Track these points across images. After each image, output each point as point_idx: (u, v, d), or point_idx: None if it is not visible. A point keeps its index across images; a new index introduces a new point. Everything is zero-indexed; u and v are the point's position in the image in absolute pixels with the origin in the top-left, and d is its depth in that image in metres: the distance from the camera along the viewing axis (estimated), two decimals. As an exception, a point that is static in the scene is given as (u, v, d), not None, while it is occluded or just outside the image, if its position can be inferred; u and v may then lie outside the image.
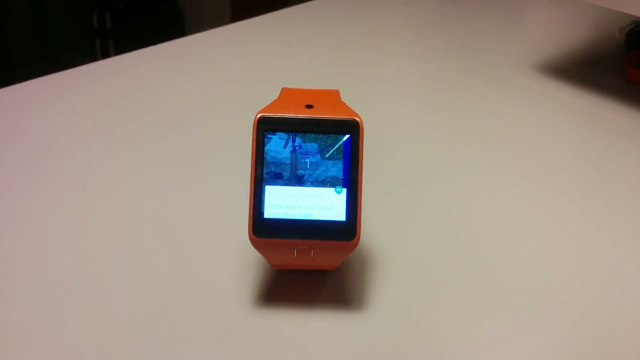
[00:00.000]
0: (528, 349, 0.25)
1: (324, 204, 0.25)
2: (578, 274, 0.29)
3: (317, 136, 0.25)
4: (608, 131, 0.41)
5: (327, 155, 0.25)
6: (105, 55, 1.44)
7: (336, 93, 0.28)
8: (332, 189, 0.25)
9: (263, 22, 0.56)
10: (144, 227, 0.31)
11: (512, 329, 0.26)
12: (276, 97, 0.27)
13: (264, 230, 0.25)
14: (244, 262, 0.29)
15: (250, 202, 0.25)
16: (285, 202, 0.25)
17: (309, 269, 0.27)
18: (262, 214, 0.25)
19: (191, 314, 0.26)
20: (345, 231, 0.25)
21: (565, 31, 0.57)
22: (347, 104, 0.27)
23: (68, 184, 0.34)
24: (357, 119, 0.25)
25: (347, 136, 0.25)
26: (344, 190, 0.25)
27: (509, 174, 0.36)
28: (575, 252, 0.30)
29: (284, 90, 0.28)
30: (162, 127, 0.39)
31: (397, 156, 0.38)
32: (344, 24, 0.57)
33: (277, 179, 0.25)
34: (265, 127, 0.25)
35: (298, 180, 0.25)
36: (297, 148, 0.25)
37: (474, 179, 0.35)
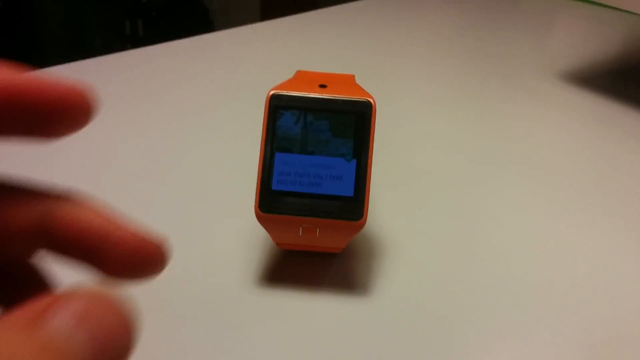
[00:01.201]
0: (531, 345, 0.24)
1: (333, 172, 0.24)
2: (589, 280, 0.28)
3: (329, 114, 0.25)
4: (635, 141, 0.40)
5: (338, 133, 0.25)
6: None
7: (351, 77, 0.28)
8: (342, 158, 0.25)
9: (291, 23, 0.57)
10: (153, 201, 0.31)
11: (515, 324, 0.25)
12: (290, 78, 0.27)
13: (271, 205, 0.24)
14: (251, 241, 0.28)
15: (258, 174, 0.24)
16: (294, 169, 0.24)
17: (315, 251, 0.27)
18: (271, 185, 0.24)
19: (194, 290, 0.26)
20: (352, 209, 0.24)
21: (593, 41, 0.56)
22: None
23: (91, 160, 0.34)
24: (370, 100, 0.25)
25: (358, 116, 0.25)
26: (354, 161, 0.24)
27: (526, 178, 0.35)
28: (590, 259, 0.29)
29: (298, 72, 0.28)
30: (178, 113, 0.40)
31: (416, 152, 0.37)
32: (372, 28, 0.57)
33: (287, 152, 0.25)
34: (277, 103, 0.25)
35: (308, 154, 0.25)
36: (308, 125, 0.25)
37: (490, 179, 0.35)
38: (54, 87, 0.14)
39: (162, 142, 0.37)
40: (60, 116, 0.14)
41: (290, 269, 0.27)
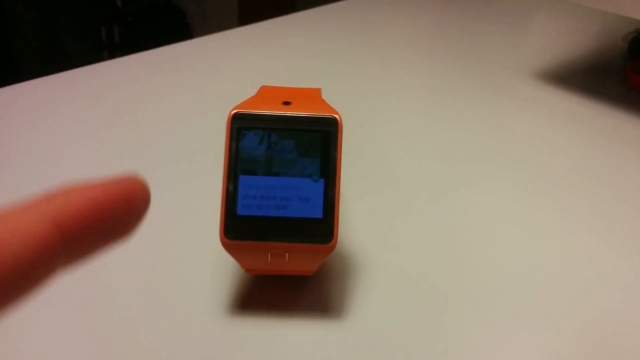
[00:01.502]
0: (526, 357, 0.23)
1: (300, 194, 0.23)
2: (575, 284, 0.27)
3: (294, 133, 0.24)
4: (610, 139, 0.39)
5: (304, 153, 0.24)
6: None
7: (317, 91, 0.27)
8: (309, 179, 0.24)
9: (269, 27, 0.56)
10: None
11: (501, 339, 0.24)
12: (254, 95, 0.26)
13: (236, 230, 0.23)
14: (217, 268, 0.27)
15: (222, 198, 0.23)
16: (260, 193, 0.23)
17: (286, 275, 0.26)
18: (236, 211, 0.23)
19: (160, 321, 0.25)
20: (321, 231, 0.23)
21: (567, 39, 0.56)
22: (330, 104, 0.25)
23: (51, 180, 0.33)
24: (336, 116, 0.24)
25: (324, 134, 0.24)
26: (322, 181, 0.24)
27: (505, 181, 0.35)
28: (574, 261, 0.29)
29: (262, 87, 0.27)
30: (150, 127, 0.39)
31: (388, 160, 0.36)
32: (349, 30, 0.56)
33: (252, 174, 0.24)
34: (239, 123, 0.24)
35: (274, 175, 0.24)
36: (272, 145, 0.24)
37: (468, 185, 0.34)
38: (117, 187, 0.14)
39: (128, 158, 0.35)
40: (131, 211, 0.15)
41: (261, 294, 0.26)
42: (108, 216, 0.14)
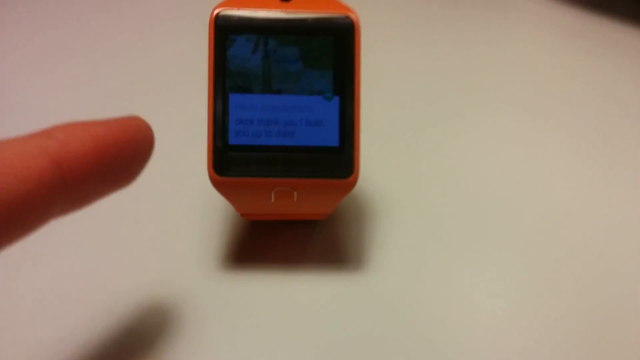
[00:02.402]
0: (537, 303, 0.20)
1: (309, 116, 0.18)
2: (591, 220, 0.23)
3: (298, 38, 0.18)
4: (620, 55, 0.35)
5: (312, 64, 0.18)
6: None
7: (322, -13, 0.21)
8: (320, 97, 0.18)
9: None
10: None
11: (524, 284, 0.20)
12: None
13: (229, 165, 0.18)
14: (206, 212, 0.22)
15: (209, 125, 0.18)
16: (257, 116, 0.18)
17: (292, 220, 0.21)
18: (227, 139, 0.18)
19: (148, 279, 0.20)
20: (339, 163, 0.18)
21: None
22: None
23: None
24: (352, 15, 0.19)
25: (337, 39, 0.18)
26: (336, 99, 0.18)
27: (516, 110, 0.30)
28: (588, 194, 0.25)
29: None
30: (102, 41, 0.32)
31: (394, 90, 0.31)
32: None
33: (246, 92, 0.18)
34: (225, 25, 0.18)
35: (274, 93, 0.18)
36: (270, 53, 0.18)
37: (481, 118, 0.29)
38: (121, 128, 0.14)
39: (89, 84, 0.29)
40: (136, 154, 0.14)
41: (261, 240, 0.21)
42: (112, 158, 0.13)
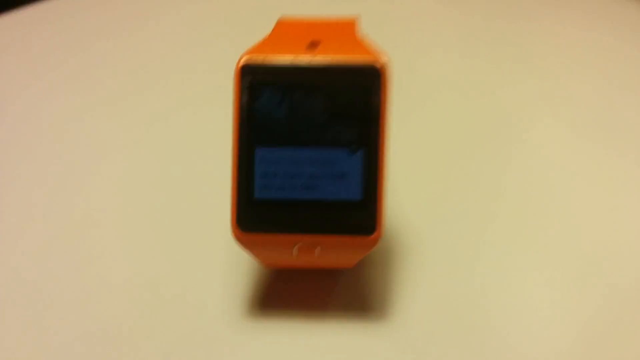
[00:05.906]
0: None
1: (333, 170, 0.18)
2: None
3: (324, 88, 0.18)
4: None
5: (337, 115, 0.18)
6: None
7: (351, 23, 0.21)
8: (345, 149, 0.18)
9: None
10: (104, 219, 0.24)
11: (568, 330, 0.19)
12: (269, 32, 0.20)
13: (253, 220, 0.18)
14: (229, 261, 0.22)
15: (233, 179, 0.18)
16: (282, 169, 0.18)
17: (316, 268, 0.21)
18: (253, 193, 0.18)
19: (167, 329, 0.20)
20: (361, 219, 0.18)
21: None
22: (368, 39, 0.19)
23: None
24: (380, 61, 0.18)
25: (363, 88, 0.18)
26: (360, 152, 0.18)
27: (572, 127, 0.28)
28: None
29: (280, 21, 0.21)
30: (124, 86, 0.32)
31: (428, 109, 0.30)
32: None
33: (272, 146, 0.18)
34: (253, 77, 0.18)
35: (299, 147, 0.18)
36: (296, 105, 0.18)
37: (528, 136, 0.28)
38: None
39: (105, 126, 0.30)
40: None
41: (285, 287, 0.21)
42: None
